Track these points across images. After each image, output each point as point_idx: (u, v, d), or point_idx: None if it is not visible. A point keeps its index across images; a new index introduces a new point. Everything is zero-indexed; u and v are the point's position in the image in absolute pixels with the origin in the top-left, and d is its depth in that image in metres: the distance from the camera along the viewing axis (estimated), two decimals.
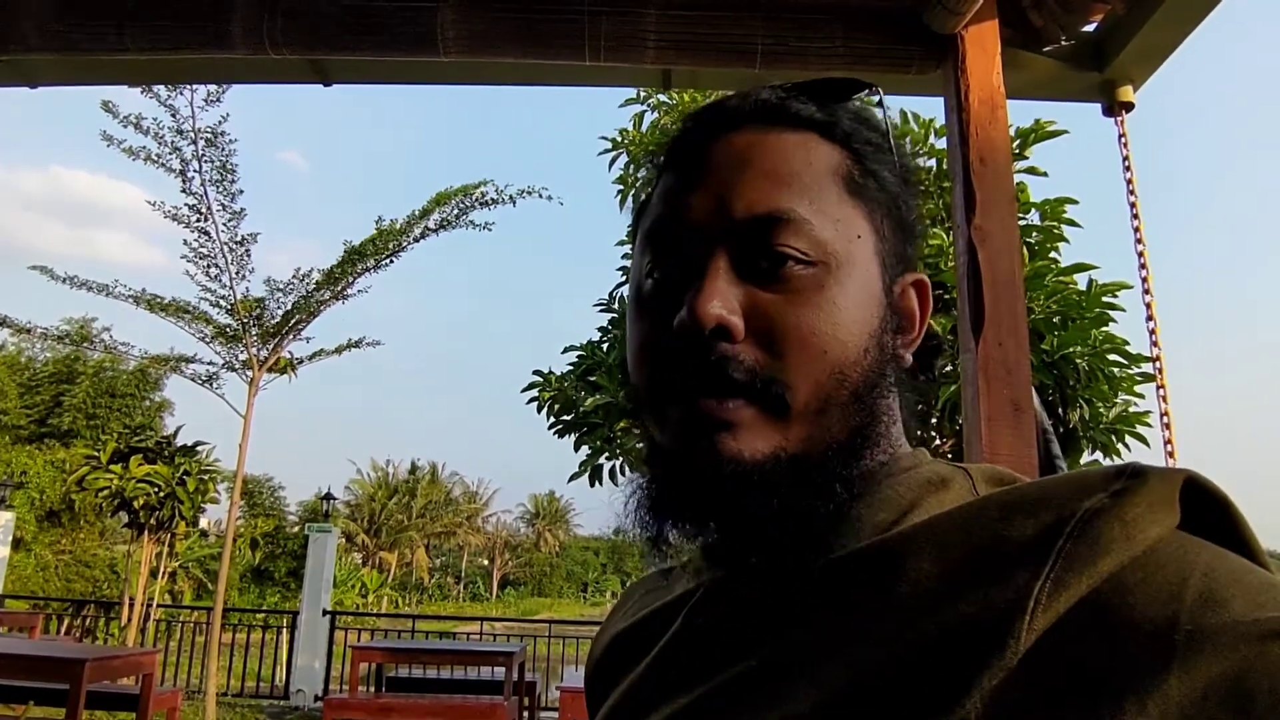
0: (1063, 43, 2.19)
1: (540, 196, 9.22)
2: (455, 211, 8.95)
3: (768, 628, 0.46)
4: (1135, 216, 2.14)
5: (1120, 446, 4.58)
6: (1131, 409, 4.60)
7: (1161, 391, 1.79)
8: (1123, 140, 2.21)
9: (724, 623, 0.50)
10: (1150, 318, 1.85)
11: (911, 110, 5.60)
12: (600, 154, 6.58)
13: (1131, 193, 2.17)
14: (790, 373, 0.47)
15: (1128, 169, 2.19)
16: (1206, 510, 0.40)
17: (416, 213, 8.87)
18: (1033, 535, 0.38)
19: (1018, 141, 5.14)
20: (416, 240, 9.01)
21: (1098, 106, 2.26)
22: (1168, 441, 1.71)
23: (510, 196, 8.98)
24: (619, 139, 6.56)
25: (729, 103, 0.55)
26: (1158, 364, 1.85)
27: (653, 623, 0.56)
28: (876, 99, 0.59)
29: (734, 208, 0.50)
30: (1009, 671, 0.35)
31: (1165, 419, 1.74)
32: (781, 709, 0.41)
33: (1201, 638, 0.33)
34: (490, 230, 9.20)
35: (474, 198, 8.92)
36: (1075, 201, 5.12)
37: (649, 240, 0.54)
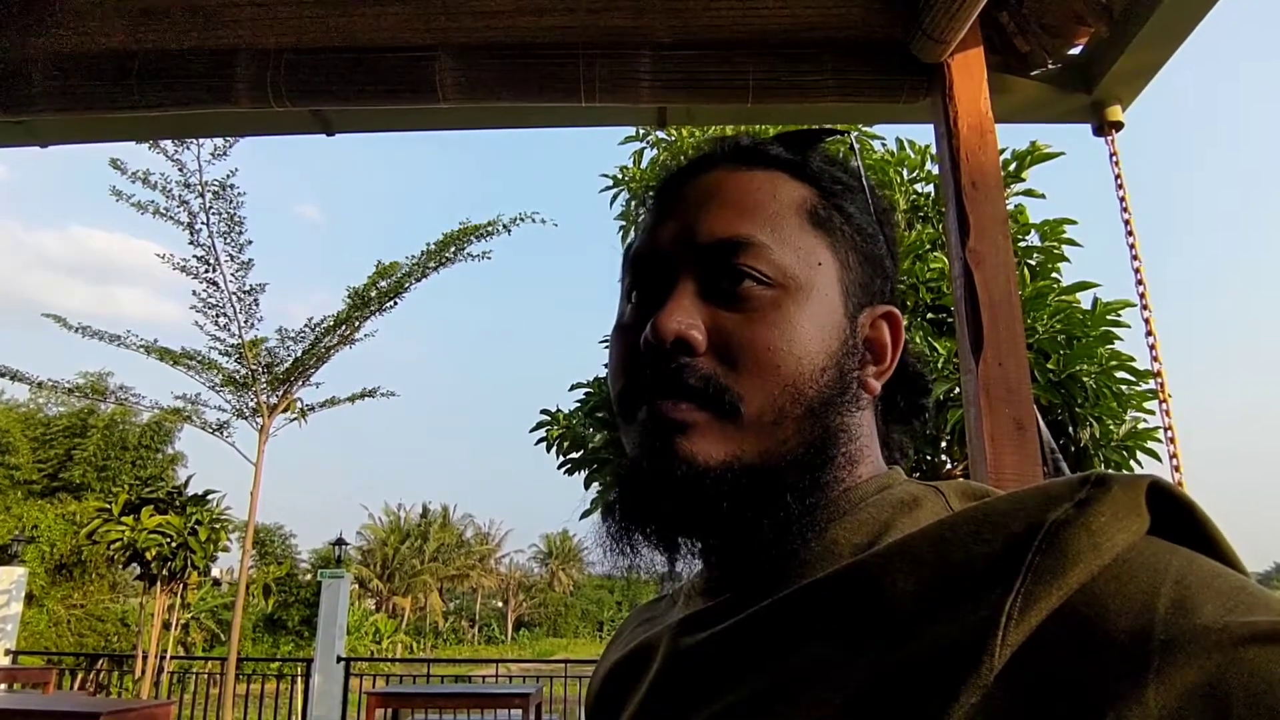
0: (1049, 66, 2.22)
1: (535, 222, 9.32)
2: (452, 250, 9.04)
3: (754, 655, 0.46)
4: (1130, 233, 2.15)
5: (1133, 463, 4.54)
6: (1141, 425, 4.57)
7: (1165, 407, 1.79)
8: (1114, 159, 2.24)
9: (710, 651, 0.50)
10: (1150, 333, 1.86)
11: (908, 137, 5.67)
12: (602, 191, 6.65)
13: (1125, 210, 2.19)
14: (744, 385, 0.50)
15: (1120, 187, 2.21)
16: (1175, 515, 0.40)
17: (422, 255, 8.96)
18: (1002, 550, 0.38)
19: (1014, 164, 5.19)
20: (417, 281, 9.09)
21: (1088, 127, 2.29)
22: (1173, 456, 1.70)
23: (505, 225, 9.06)
24: (620, 176, 6.63)
25: (707, 149, 0.60)
26: (1159, 379, 1.85)
27: (645, 653, 0.56)
28: (850, 144, 0.62)
29: (699, 234, 0.54)
30: (987, 689, 0.35)
31: (1170, 433, 1.74)
32: None
33: (1175, 646, 0.33)
34: (489, 259, 9.29)
35: (471, 234, 9.01)
36: (1074, 222, 5.14)
37: (629, 268, 0.59)
